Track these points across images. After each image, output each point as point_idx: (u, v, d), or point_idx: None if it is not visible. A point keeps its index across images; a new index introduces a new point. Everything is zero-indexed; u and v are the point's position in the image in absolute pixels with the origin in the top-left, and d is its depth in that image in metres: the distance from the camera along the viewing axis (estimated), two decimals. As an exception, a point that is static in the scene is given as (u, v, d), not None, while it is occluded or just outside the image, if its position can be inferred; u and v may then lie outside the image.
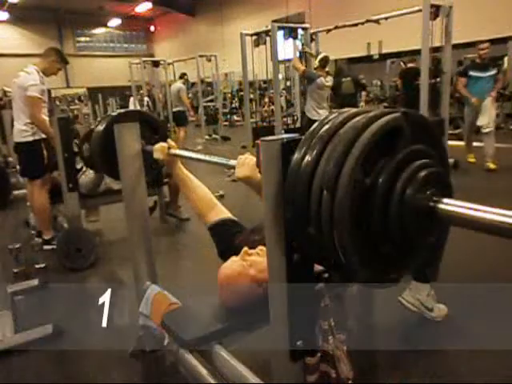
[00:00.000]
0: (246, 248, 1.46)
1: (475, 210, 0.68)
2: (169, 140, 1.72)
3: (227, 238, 1.64)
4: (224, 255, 1.61)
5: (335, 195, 0.70)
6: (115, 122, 1.72)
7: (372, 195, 0.72)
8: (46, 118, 3.22)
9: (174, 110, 8.37)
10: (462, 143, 6.17)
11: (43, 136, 3.19)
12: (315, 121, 0.87)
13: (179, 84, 8.56)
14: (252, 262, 1.40)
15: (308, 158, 0.77)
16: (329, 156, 0.73)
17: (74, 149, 3.22)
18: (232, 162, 1.26)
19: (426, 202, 0.72)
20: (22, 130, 3.18)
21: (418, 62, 6.84)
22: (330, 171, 0.71)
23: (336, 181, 0.70)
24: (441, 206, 0.71)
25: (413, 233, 0.74)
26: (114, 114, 2.09)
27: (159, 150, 1.67)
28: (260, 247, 1.46)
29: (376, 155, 0.73)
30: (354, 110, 0.82)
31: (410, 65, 7.81)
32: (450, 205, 0.71)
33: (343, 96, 6.76)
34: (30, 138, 3.18)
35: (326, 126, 0.79)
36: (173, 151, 1.66)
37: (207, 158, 1.46)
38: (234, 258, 1.46)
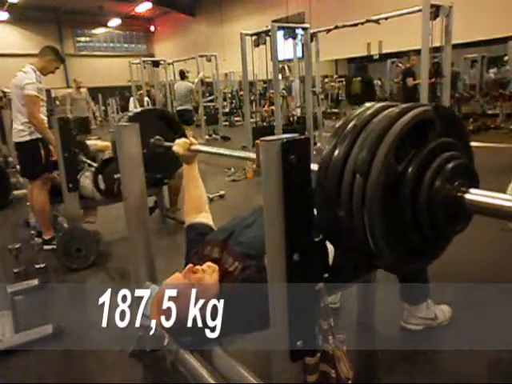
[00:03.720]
0: (190, 265, 1.39)
1: (502, 199, 0.69)
2: (190, 137, 1.71)
3: (190, 243, 1.63)
4: (185, 261, 1.59)
5: (368, 178, 0.72)
6: (136, 119, 1.74)
7: (402, 182, 0.74)
8: (45, 118, 3.22)
9: (180, 108, 8.07)
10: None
11: (40, 136, 3.18)
12: None
13: (188, 83, 8.38)
14: (195, 281, 1.33)
15: (341, 145, 0.78)
16: (362, 143, 0.75)
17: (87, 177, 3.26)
18: (252, 155, 1.24)
19: (455, 192, 0.73)
20: (19, 130, 3.18)
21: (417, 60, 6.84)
22: (363, 156, 0.73)
23: (369, 165, 0.72)
24: (468, 196, 0.73)
25: (440, 222, 0.75)
26: (136, 110, 2.12)
27: (181, 144, 1.66)
28: (207, 263, 1.40)
29: (407, 145, 0.75)
30: (383, 103, 0.83)
31: (408, 65, 7.82)
32: (476, 195, 0.73)
33: (351, 97, 6.78)
34: (27, 138, 3.17)
35: (358, 117, 0.80)
36: (194, 147, 1.66)
37: (228, 152, 1.46)
38: (177, 275, 1.39)
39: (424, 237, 0.78)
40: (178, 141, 1.69)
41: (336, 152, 0.79)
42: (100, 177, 3.16)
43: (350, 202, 0.75)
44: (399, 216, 0.75)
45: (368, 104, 0.85)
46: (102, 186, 3.17)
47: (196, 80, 8.54)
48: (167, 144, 1.83)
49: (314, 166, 0.91)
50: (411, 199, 0.74)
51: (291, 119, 7.02)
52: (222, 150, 1.54)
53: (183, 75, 8.38)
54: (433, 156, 0.75)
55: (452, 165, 0.74)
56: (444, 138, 0.78)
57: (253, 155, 1.24)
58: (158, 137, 1.95)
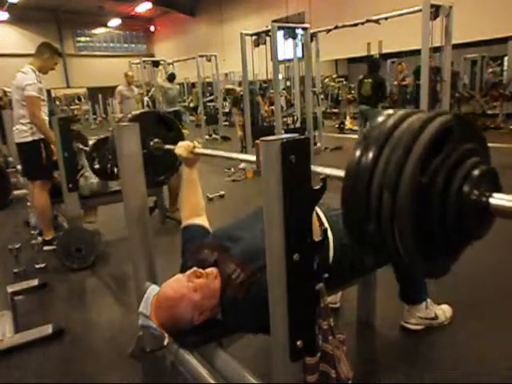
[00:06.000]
0: (195, 268, 1.36)
1: None
2: (195, 141, 1.72)
3: (186, 244, 1.63)
4: (182, 261, 1.59)
5: (396, 195, 0.74)
6: (136, 120, 1.78)
7: (430, 193, 0.75)
8: (46, 118, 3.22)
9: (171, 109, 8.14)
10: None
11: (42, 136, 3.18)
12: None
13: (178, 86, 8.56)
14: (198, 286, 1.31)
15: (366, 159, 0.79)
16: (388, 158, 0.76)
17: (83, 160, 3.29)
18: (252, 158, 1.22)
19: (484, 197, 0.75)
20: (21, 131, 3.18)
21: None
22: (391, 173, 0.75)
23: (397, 182, 0.74)
24: (494, 201, 0.75)
25: (469, 227, 0.78)
26: (136, 112, 2.16)
27: (184, 147, 1.66)
28: (210, 269, 1.38)
29: (428, 154, 0.76)
30: (402, 111, 0.84)
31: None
32: (503, 199, 0.75)
33: (362, 97, 6.74)
34: (29, 139, 3.17)
35: (380, 129, 0.81)
36: (197, 150, 1.67)
37: (229, 154, 1.48)
38: (179, 277, 1.37)
39: (450, 241, 0.81)
40: (181, 143, 1.69)
41: (362, 164, 0.79)
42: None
43: (378, 216, 0.77)
44: (428, 224, 0.77)
45: (390, 111, 0.86)
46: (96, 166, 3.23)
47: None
48: (168, 147, 1.85)
49: (337, 172, 0.93)
50: (439, 209, 0.76)
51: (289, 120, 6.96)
52: (223, 153, 1.55)
53: (173, 78, 8.38)
54: (458, 164, 0.77)
55: (478, 171, 0.77)
56: (466, 145, 0.79)
57: (252, 158, 1.21)
58: (156, 139, 1.96)
